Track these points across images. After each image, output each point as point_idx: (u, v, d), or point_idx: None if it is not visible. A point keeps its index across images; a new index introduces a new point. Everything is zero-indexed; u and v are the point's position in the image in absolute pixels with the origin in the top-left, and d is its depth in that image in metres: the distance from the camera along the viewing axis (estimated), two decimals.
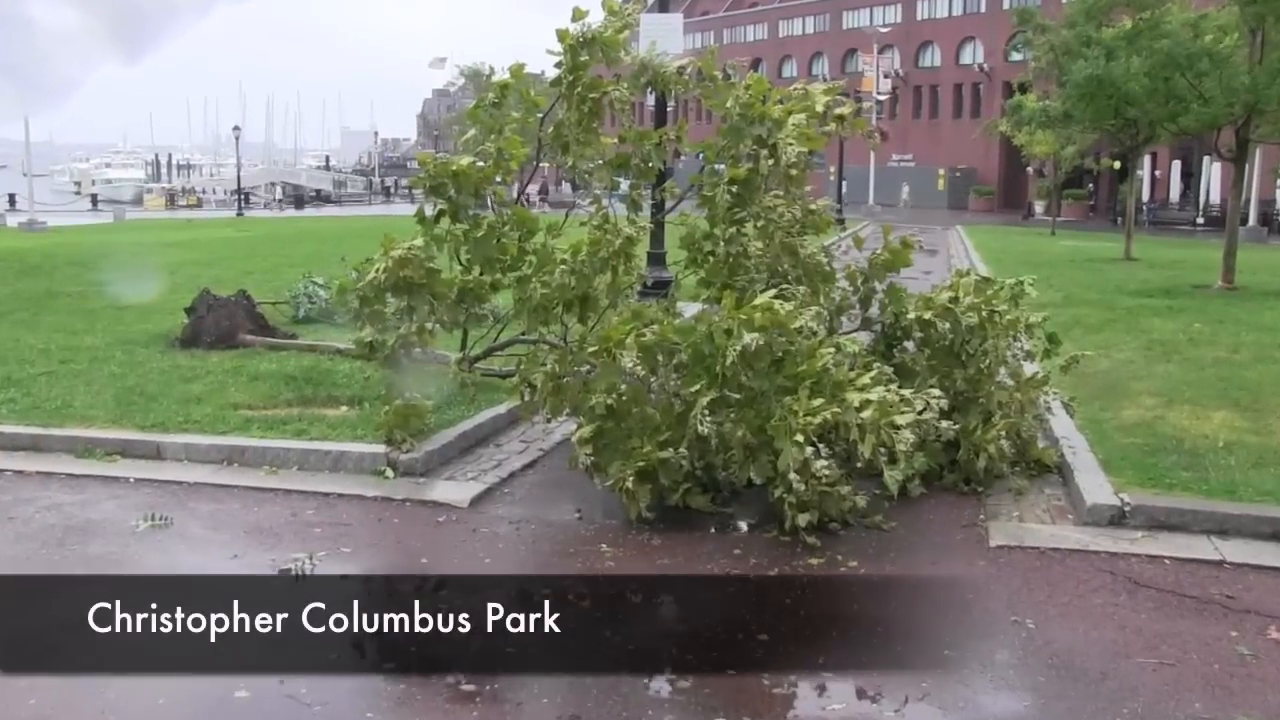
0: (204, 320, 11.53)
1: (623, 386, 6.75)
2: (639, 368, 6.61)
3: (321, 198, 79.42)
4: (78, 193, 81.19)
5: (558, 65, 8.82)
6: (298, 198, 74.71)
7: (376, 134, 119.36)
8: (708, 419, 6.35)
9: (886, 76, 65.94)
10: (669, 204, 10.10)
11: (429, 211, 8.61)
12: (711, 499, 6.85)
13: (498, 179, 8.71)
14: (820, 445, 6.20)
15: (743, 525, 6.65)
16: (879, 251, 8.34)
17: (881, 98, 61.27)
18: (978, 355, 7.65)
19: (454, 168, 8.36)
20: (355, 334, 8.56)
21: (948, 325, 7.57)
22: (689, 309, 9.56)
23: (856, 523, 6.56)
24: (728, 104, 8.01)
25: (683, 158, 9.72)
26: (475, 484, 7.47)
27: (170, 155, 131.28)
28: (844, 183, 45.71)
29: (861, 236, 9.04)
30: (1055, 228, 41.08)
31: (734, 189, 7.84)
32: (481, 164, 8.48)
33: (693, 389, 6.51)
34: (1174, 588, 5.75)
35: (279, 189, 78.86)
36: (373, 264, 7.89)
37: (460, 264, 8.68)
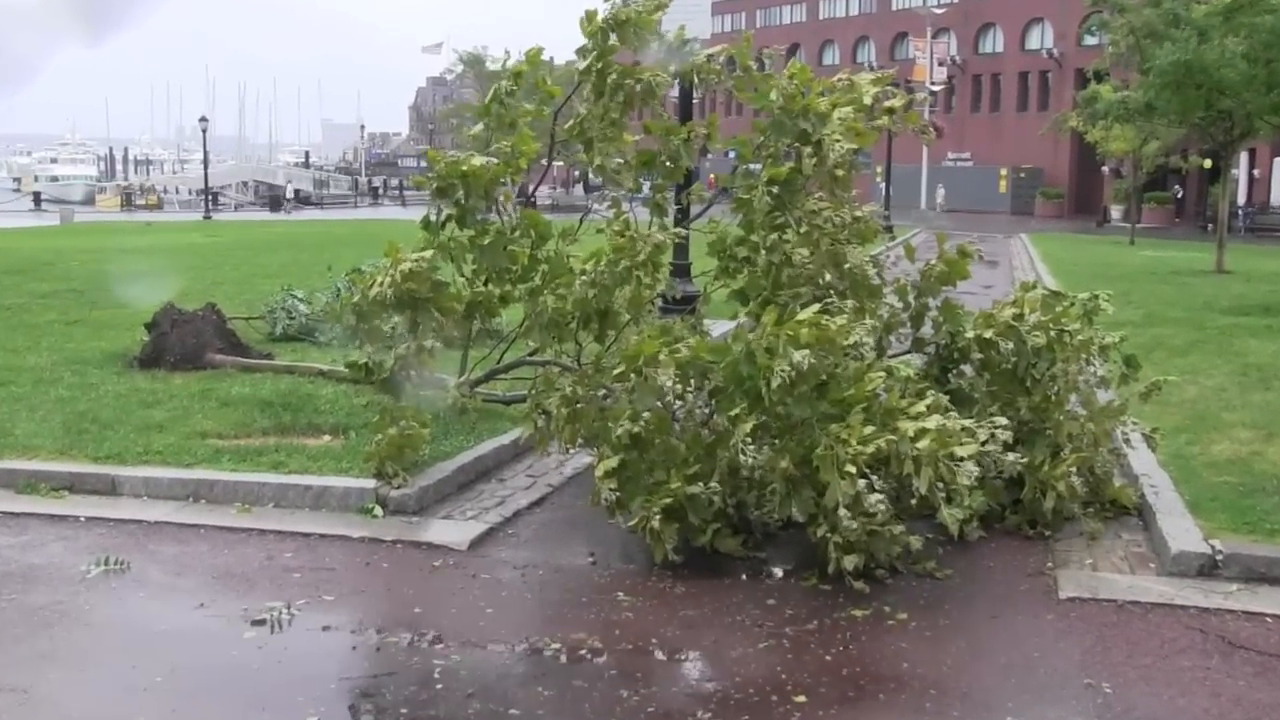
0: (167, 337, 11.63)
1: (646, 414, 6.80)
2: (678, 385, 6.66)
3: (301, 199, 80.00)
4: (18, 191, 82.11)
5: (580, 51, 8.92)
6: (273, 198, 75.29)
7: (363, 127, 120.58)
8: (749, 448, 6.39)
9: (941, 64, 66.07)
10: (697, 208, 10.17)
11: (434, 216, 8.70)
12: (742, 542, 6.89)
13: (504, 180, 8.81)
14: (873, 477, 6.22)
15: (777, 571, 6.69)
16: (933, 262, 8.38)
17: (935, 88, 61.37)
18: (1045, 380, 7.68)
19: (464, 168, 8.46)
20: (346, 353, 8.62)
21: (1011, 346, 7.60)
22: (716, 327, 9.62)
23: (906, 569, 6.59)
24: (770, 96, 8.07)
25: (710, 156, 9.79)
26: (475, 524, 7.51)
27: (127, 149, 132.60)
28: (886, 184, 45.65)
29: (913, 245, 9.09)
30: (1135, 236, 41.02)
31: (774, 190, 7.90)
32: (491, 163, 8.58)
33: (731, 414, 6.57)
34: (1278, 650, 5.72)
35: (293, 188, 79.61)
36: (374, 275, 7.97)
37: (463, 275, 8.77)
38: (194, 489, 7.95)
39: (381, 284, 7.80)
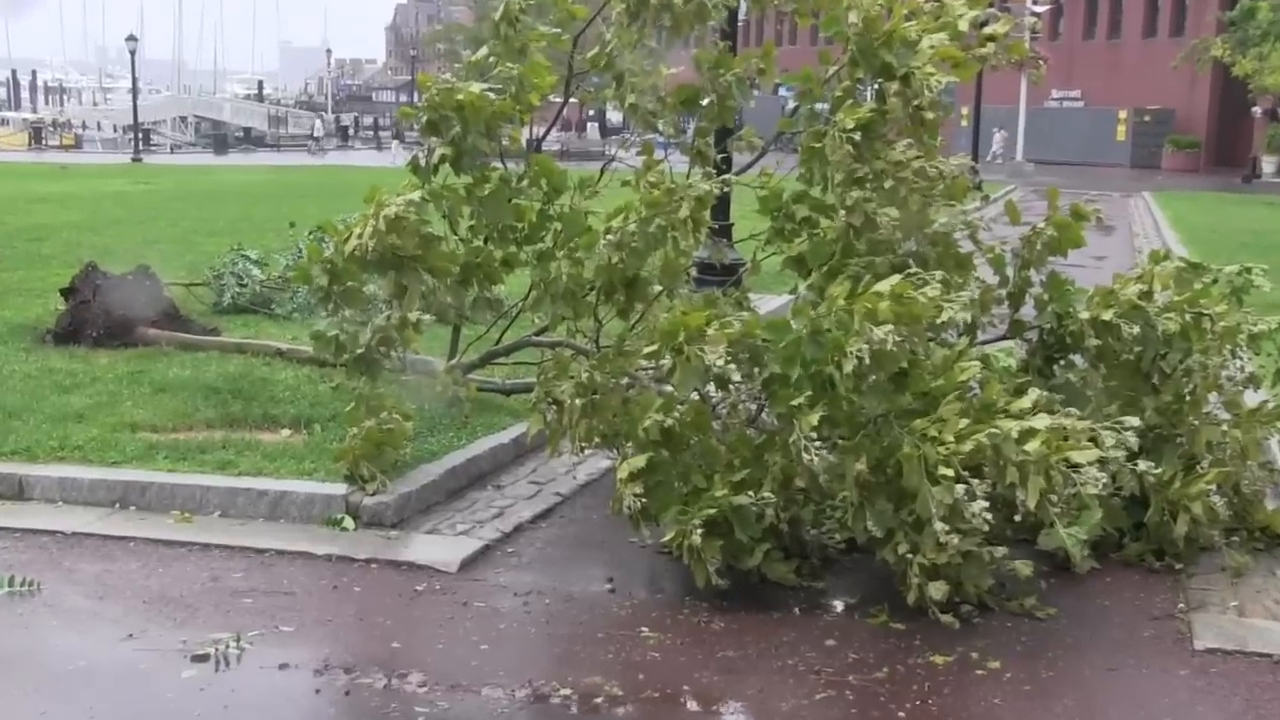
0: (88, 306, 11.70)
1: (680, 405, 6.81)
2: (730, 366, 6.65)
3: (252, 139, 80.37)
4: None
5: None
6: (218, 138, 75.62)
7: (329, 53, 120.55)
8: (817, 447, 6.37)
9: None
10: (744, 161, 10.12)
11: (424, 157, 8.68)
12: (796, 568, 6.90)
13: (512, 117, 8.80)
14: (973, 483, 6.17)
15: (838, 605, 6.71)
16: (1040, 226, 8.33)
17: (1038, 9, 60.90)
18: (1178, 375, 7.64)
19: (461, 97, 8.45)
20: (311, 326, 8.59)
21: (1136, 331, 7.55)
22: (763, 304, 9.60)
23: (998, 606, 6.58)
24: (849, 18, 8.03)
25: (756, 93, 9.74)
26: (468, 540, 7.56)
27: (34, 73, 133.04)
28: (975, 129, 45.36)
29: (1016, 204, 9.06)
30: None
31: (856, 136, 7.85)
32: (495, 94, 8.56)
33: (791, 405, 6.56)
34: None
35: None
36: (352, 226, 7.96)
37: (455, 232, 8.78)
38: (121, 493, 8.01)
39: (361, 235, 7.78)
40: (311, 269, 8.12)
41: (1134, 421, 6.71)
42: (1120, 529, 7.36)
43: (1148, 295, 7.69)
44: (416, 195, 8.05)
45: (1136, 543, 7.40)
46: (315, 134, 78.49)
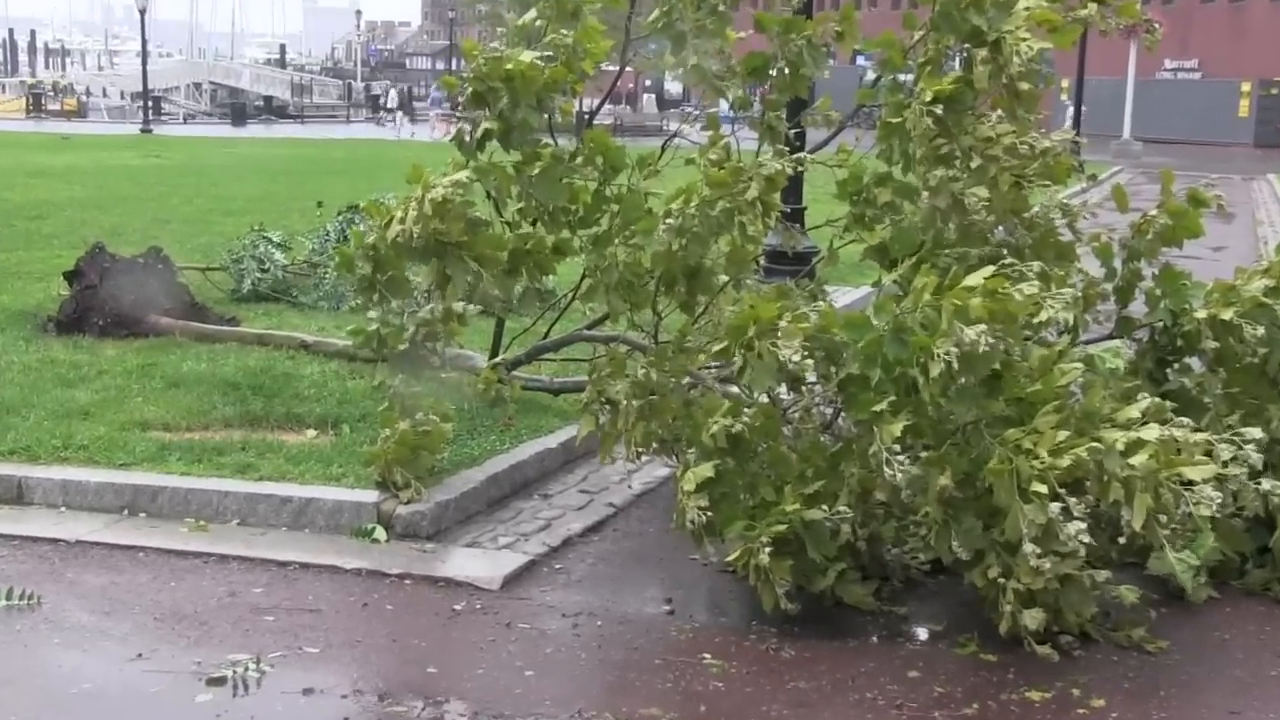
0: (95, 292, 11.80)
1: (748, 409, 6.80)
2: (807, 361, 6.63)
3: (274, 109, 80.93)
4: None
5: None
6: (235, 108, 76.18)
7: (359, 14, 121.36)
8: (900, 459, 6.36)
9: None
10: (819, 137, 10.08)
11: (470, 132, 8.69)
12: (875, 591, 6.89)
13: (565, 87, 8.80)
14: (1070, 500, 6.12)
15: (922, 633, 6.70)
16: (1151, 214, 8.29)
17: None
18: None
19: (510, 66, 8.47)
20: (340, 318, 8.60)
21: (1261, 331, 7.50)
22: (839, 297, 9.56)
23: (1102, 637, 6.54)
24: None
25: (831, 63, 9.68)
26: (511, 554, 7.59)
27: (33, 33, 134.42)
28: (1077, 103, 45.07)
29: (1124, 188, 9.00)
30: None
31: (937, 111, 7.80)
32: (545, 62, 8.57)
33: (872, 411, 6.54)
34: None
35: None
36: (393, 209, 7.99)
37: (503, 217, 8.80)
38: (131, 498, 8.08)
39: (404, 219, 7.81)
40: (355, 256, 8.13)
41: (1256, 433, 6.65)
42: (1242, 554, 7.30)
43: (1275, 291, 7.62)
44: (463, 175, 8.06)
45: (1261, 570, 7.34)
46: (388, 104, 78.84)
